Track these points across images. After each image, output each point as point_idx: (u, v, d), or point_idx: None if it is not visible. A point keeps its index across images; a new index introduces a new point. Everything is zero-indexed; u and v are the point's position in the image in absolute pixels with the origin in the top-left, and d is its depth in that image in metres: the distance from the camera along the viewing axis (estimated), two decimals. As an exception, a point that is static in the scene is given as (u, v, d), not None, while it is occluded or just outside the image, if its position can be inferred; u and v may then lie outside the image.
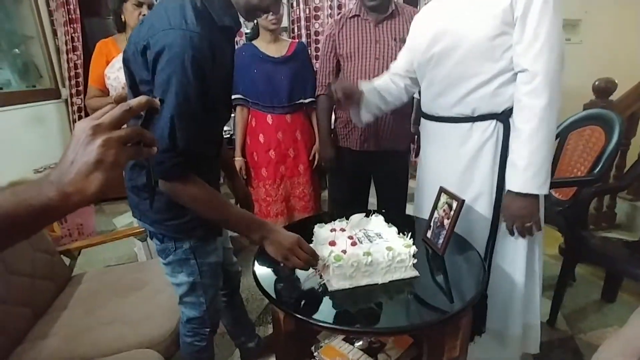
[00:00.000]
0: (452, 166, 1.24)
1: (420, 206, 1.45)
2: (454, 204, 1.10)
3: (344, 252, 0.96)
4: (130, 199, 1.05)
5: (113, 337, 1.18)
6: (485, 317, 1.25)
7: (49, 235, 2.37)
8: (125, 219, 2.97)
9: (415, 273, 1.00)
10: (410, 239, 1.03)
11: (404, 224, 1.13)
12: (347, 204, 1.89)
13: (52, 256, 1.48)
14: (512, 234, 1.20)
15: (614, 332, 1.81)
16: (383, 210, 1.24)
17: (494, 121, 1.17)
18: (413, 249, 0.99)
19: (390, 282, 0.97)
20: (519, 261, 1.25)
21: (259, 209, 1.92)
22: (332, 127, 1.92)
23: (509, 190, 1.16)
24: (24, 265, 1.34)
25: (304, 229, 1.09)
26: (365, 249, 0.98)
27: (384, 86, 1.39)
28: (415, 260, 1.00)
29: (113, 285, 1.47)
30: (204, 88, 0.84)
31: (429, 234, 1.18)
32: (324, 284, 0.96)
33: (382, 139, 1.77)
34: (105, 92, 1.83)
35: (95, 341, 1.17)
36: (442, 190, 1.17)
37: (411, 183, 1.91)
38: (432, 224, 1.18)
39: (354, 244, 1.00)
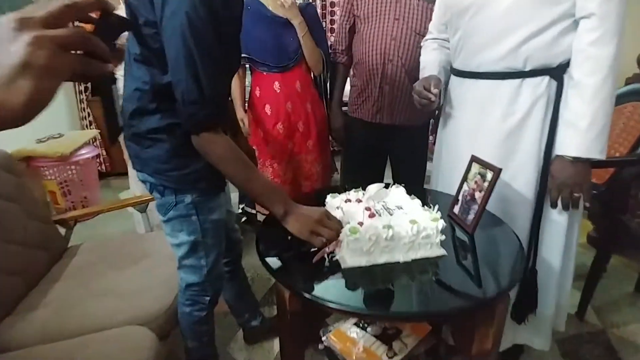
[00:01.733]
0: (493, 132, 1.09)
1: (441, 181, 1.31)
2: (488, 175, 0.95)
3: (361, 224, 0.83)
4: (130, 149, 0.96)
5: (105, 311, 1.09)
6: (537, 296, 1.13)
7: (54, 208, 2.32)
8: (132, 194, 2.90)
9: (442, 251, 0.86)
10: (437, 211, 0.90)
11: (428, 197, 0.99)
12: (361, 180, 1.76)
13: (46, 225, 1.39)
14: (554, 206, 1.05)
15: None
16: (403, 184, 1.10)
17: (547, 77, 1.02)
18: (441, 223, 0.85)
19: (413, 260, 0.84)
20: (558, 240, 1.11)
21: None
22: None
23: (559, 156, 1.01)
24: (16, 233, 1.25)
25: (313, 203, 0.97)
26: (385, 221, 0.84)
27: (444, 58, 1.25)
28: (443, 237, 0.86)
29: (110, 257, 1.38)
30: (218, 29, 0.79)
31: (456, 210, 1.04)
32: (337, 260, 0.84)
33: (397, 110, 1.61)
34: None
35: (86, 315, 1.08)
36: (473, 159, 1.02)
37: (429, 166, 1.77)
38: (460, 198, 1.04)
39: (372, 215, 0.87)
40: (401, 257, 0.84)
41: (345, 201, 0.97)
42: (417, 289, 0.81)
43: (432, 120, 1.99)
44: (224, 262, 1.29)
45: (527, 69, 1.02)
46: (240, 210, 2.31)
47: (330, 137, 1.90)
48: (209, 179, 0.95)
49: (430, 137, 2.01)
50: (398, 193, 1.03)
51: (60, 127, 2.65)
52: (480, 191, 0.96)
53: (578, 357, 1.46)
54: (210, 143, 0.84)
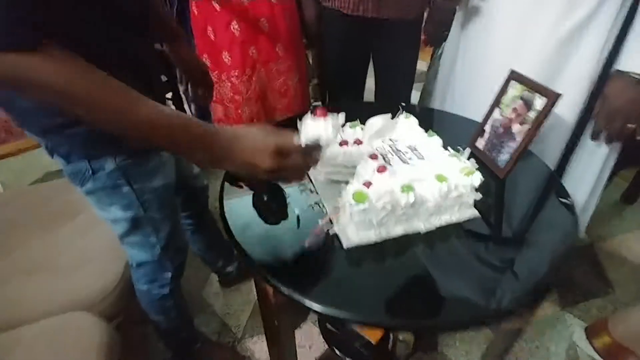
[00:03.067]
0: (543, 38, 0.79)
1: (451, 99, 1.04)
2: (538, 101, 0.69)
3: (368, 185, 0.58)
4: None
5: (34, 294, 0.85)
6: None
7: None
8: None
9: (473, 212, 0.65)
10: (469, 158, 0.65)
11: (441, 125, 0.74)
12: (340, 87, 1.46)
13: None
14: (596, 138, 0.84)
15: (635, 237, 1.70)
16: (403, 104, 0.84)
17: None
18: (477, 176, 0.61)
19: (437, 228, 0.62)
20: (589, 177, 0.93)
21: (225, 114, 1.42)
22: None
23: (620, 73, 0.76)
24: None
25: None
26: (402, 179, 0.60)
27: None
28: (479, 196, 0.64)
29: (36, 213, 1.08)
30: None
31: (480, 144, 0.80)
32: (336, 235, 0.61)
33: (384, 0, 1.24)
34: None
35: (7, 301, 0.84)
36: (514, 77, 0.74)
37: (419, 65, 1.47)
38: (488, 129, 0.79)
39: (382, 169, 0.61)
40: (422, 225, 0.62)
41: (341, 144, 0.70)
42: (447, 274, 0.58)
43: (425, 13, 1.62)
44: (185, 215, 1.04)
45: None
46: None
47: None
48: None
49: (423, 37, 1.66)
50: (408, 126, 0.76)
51: None
52: (521, 123, 0.71)
53: (565, 275, 1.44)
54: (28, 70, 0.41)
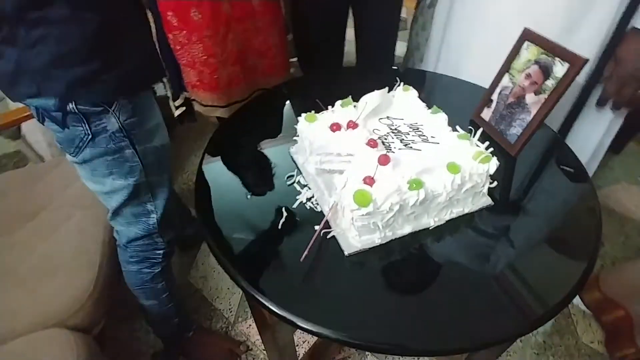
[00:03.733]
0: None
1: (445, 60, 0.93)
2: (559, 67, 0.59)
3: (370, 182, 0.49)
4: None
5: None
6: None
7: None
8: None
9: (487, 201, 0.58)
10: (482, 141, 0.57)
11: (439, 92, 0.64)
12: (316, 44, 1.31)
13: None
14: (603, 104, 0.77)
15: (622, 188, 1.71)
16: (396, 67, 0.73)
17: None
18: (493, 163, 0.53)
19: (448, 221, 0.55)
20: (588, 145, 0.87)
21: (199, 78, 1.24)
22: None
23: (637, 30, 0.67)
24: None
25: (273, 113, 0.59)
26: (408, 171, 0.51)
27: None
28: (495, 184, 0.56)
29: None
30: None
31: (486, 115, 0.71)
32: (334, 238, 0.53)
33: None
34: None
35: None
36: (527, 36, 0.64)
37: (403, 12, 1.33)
38: (496, 98, 0.70)
39: (385, 160, 0.52)
40: (432, 220, 0.54)
41: (332, 129, 0.59)
42: (463, 278, 0.51)
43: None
44: None
45: None
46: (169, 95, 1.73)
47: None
48: (141, 64, 0.60)
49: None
50: (408, 100, 0.66)
51: None
52: (536, 93, 0.62)
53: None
54: None
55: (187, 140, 1.76)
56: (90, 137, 0.61)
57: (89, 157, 0.63)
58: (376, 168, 0.50)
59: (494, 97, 0.70)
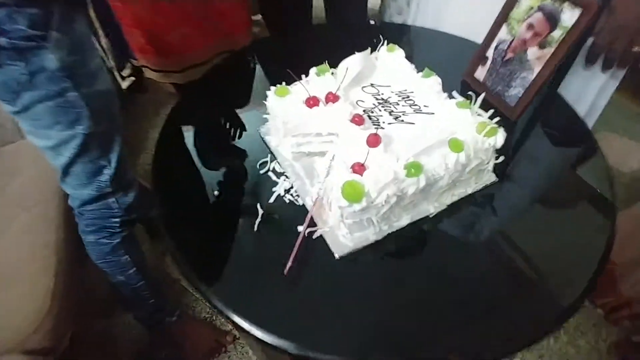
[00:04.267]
0: None
1: (431, 8, 0.82)
2: (567, 15, 0.50)
3: (360, 169, 0.41)
4: None
5: None
6: None
7: None
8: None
9: (491, 178, 0.51)
10: (488, 112, 0.49)
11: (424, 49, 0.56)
12: None
13: None
14: (592, 61, 0.69)
15: (604, 138, 1.69)
16: (373, 22, 0.64)
17: None
18: (500, 135, 0.46)
19: (449, 206, 0.48)
20: (580, 108, 0.81)
21: (148, 41, 1.06)
22: None
23: None
24: None
25: (237, 82, 0.51)
26: (403, 152, 0.42)
27: None
28: (501, 158, 0.49)
29: None
30: None
31: (480, 74, 0.63)
32: (322, 237, 0.45)
33: None
34: None
35: None
36: (531, -22, 0.54)
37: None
38: (492, 54, 0.61)
39: (373, 140, 0.43)
40: (432, 206, 0.47)
41: (309, 104, 0.49)
42: (470, 271, 0.45)
43: None
44: None
45: None
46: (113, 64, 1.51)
47: None
48: None
49: None
50: (394, 62, 0.57)
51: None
52: (540, 46, 0.54)
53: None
54: None
55: (145, 115, 1.60)
56: (27, 77, 0.56)
57: (28, 102, 0.58)
58: (367, 153, 0.41)
59: (489, 53, 0.61)
